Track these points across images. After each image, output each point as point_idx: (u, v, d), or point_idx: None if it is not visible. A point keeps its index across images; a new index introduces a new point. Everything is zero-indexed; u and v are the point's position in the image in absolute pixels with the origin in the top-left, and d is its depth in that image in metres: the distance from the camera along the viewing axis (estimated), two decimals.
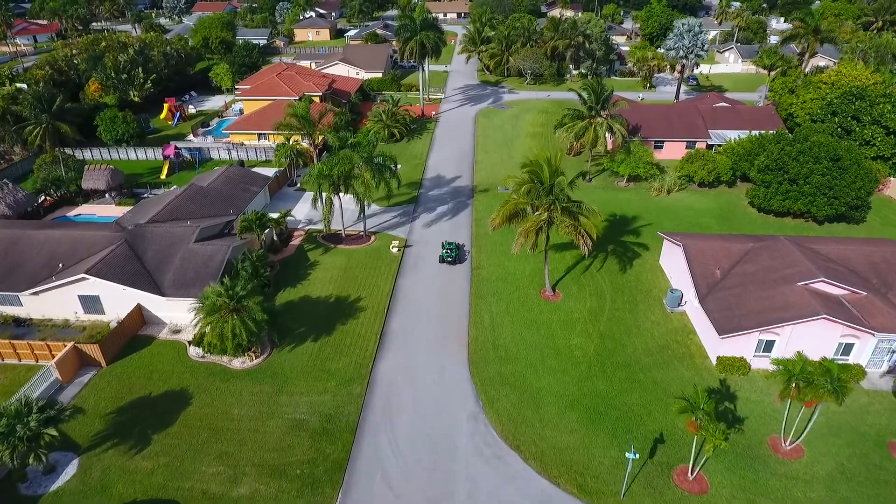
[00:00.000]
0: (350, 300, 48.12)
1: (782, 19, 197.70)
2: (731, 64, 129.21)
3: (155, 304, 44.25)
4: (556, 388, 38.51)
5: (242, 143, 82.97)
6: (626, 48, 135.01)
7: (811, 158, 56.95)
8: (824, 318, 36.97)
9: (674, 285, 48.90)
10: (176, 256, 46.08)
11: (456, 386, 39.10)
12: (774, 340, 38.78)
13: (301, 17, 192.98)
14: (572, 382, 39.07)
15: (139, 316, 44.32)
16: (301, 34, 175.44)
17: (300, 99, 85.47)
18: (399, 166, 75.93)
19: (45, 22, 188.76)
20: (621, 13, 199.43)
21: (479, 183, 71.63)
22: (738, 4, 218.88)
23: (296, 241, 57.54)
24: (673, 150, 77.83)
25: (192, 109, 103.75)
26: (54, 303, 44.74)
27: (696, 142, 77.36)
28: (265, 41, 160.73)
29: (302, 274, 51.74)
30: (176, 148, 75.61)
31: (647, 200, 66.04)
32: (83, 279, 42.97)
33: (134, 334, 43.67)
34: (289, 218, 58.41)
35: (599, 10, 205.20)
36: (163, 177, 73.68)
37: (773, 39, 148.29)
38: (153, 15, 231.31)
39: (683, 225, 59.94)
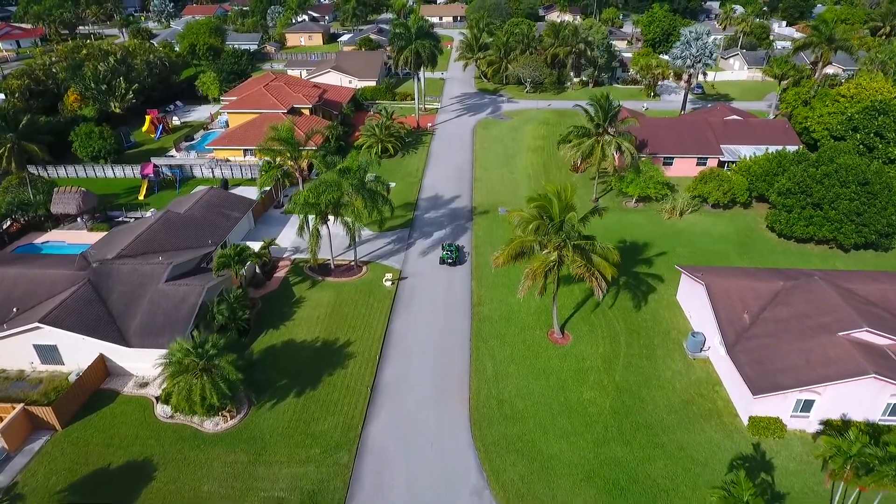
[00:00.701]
0: (338, 344, 43.59)
1: (784, 23, 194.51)
2: (736, 71, 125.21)
3: (120, 354, 39.62)
4: (570, 456, 34.08)
5: (227, 160, 78.31)
6: (628, 55, 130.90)
7: (837, 182, 52.77)
8: (874, 377, 32.71)
9: (694, 326, 44.60)
10: (144, 299, 41.47)
11: (456, 453, 34.65)
12: (814, 400, 34.50)
13: (293, 21, 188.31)
14: (588, 448, 34.67)
15: (102, 367, 39.71)
16: (293, 39, 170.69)
17: (288, 112, 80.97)
18: (393, 185, 71.57)
19: (29, 26, 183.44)
20: (620, 16, 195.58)
21: (479, 204, 67.17)
22: (739, 8, 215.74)
23: (280, 273, 52.99)
24: (683, 167, 73.60)
25: (176, 121, 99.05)
26: (8, 352, 40.02)
27: (707, 158, 73.10)
28: (256, 47, 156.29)
29: (286, 313, 47.17)
30: (155, 166, 70.88)
31: (658, 224, 61.74)
32: (37, 328, 38.35)
33: (95, 389, 39.05)
34: (273, 247, 53.85)
35: (598, 13, 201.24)
36: (140, 197, 68.97)
37: (780, 45, 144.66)
38: (142, 18, 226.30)
39: (699, 253, 55.69)
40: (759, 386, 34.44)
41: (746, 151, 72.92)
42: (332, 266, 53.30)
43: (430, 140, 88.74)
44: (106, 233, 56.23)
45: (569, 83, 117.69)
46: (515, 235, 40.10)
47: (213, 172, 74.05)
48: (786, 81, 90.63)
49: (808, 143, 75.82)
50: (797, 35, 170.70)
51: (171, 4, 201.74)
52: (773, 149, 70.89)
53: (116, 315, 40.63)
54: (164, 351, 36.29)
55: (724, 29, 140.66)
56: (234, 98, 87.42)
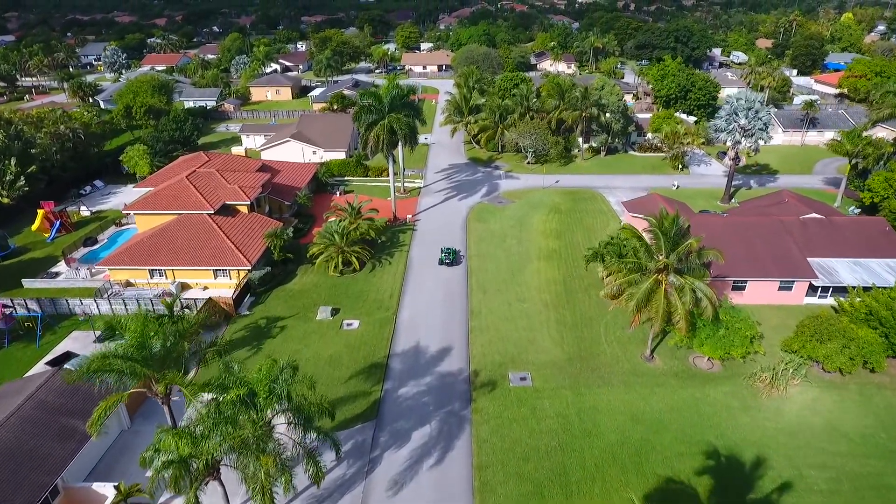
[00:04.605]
0: None
1: (795, 71, 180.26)
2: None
3: None
4: None
5: (129, 283, 56.53)
6: (643, 115, 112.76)
7: None
8: None
9: None
10: None
11: None
12: None
13: (261, 73, 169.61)
14: None
15: None
16: (258, 93, 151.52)
17: (218, 212, 59.69)
18: (356, 325, 50.37)
19: None
20: (618, 65, 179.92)
21: (480, 364, 45.58)
22: (742, 56, 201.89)
23: None
24: (760, 293, 53.16)
25: (84, 212, 77.24)
26: None
27: (793, 281, 52.81)
28: (213, 103, 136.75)
29: None
30: (5, 307, 48.76)
31: (753, 406, 40.52)
32: None
33: None
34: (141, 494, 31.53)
35: (595, 63, 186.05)
36: None
37: (817, 99, 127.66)
38: (99, 68, 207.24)
39: (845, 481, 34.36)
40: None
41: (844, 270, 52.90)
42: None
43: (410, 241, 67.76)
44: None
45: (577, 151, 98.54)
46: None
47: (97, 307, 51.93)
48: (857, 159, 71.74)
49: None
50: (816, 86, 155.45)
51: (125, 55, 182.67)
52: (884, 265, 51.27)
53: None
54: None
55: (749, 84, 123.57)
56: (149, 189, 65.96)
